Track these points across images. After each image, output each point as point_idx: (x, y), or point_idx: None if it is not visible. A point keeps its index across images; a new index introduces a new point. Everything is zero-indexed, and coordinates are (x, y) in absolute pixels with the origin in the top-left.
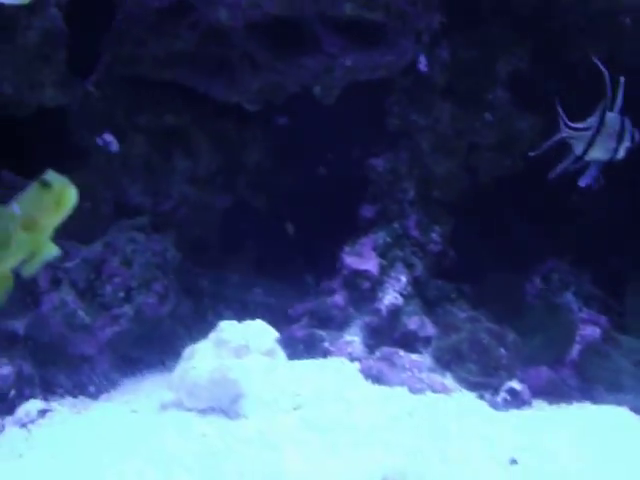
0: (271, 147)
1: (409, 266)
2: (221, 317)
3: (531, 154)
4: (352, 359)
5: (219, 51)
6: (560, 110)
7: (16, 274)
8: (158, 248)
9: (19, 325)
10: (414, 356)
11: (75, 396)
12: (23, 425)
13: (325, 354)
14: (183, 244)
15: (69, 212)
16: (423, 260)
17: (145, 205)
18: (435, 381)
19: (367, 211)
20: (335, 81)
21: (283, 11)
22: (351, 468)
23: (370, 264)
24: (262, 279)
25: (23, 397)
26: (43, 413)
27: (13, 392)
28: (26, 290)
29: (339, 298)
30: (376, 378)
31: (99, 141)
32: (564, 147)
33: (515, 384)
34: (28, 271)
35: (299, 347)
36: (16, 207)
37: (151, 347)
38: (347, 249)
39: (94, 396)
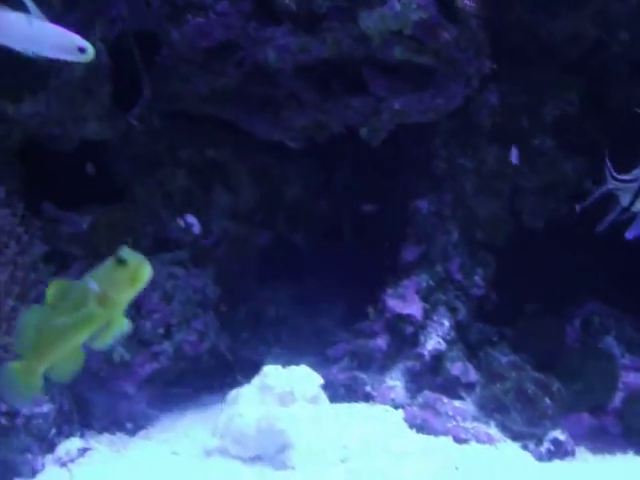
0: (312, 183)
1: (452, 310)
2: (256, 351)
3: (577, 207)
4: (395, 405)
5: (264, 89)
6: (607, 162)
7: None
8: (198, 284)
9: None
10: (457, 403)
11: (113, 433)
12: (63, 464)
13: (367, 398)
14: (222, 278)
15: (143, 287)
16: (466, 304)
17: (185, 239)
18: (480, 431)
19: (410, 253)
20: (383, 123)
21: (333, 55)
22: None
23: (414, 308)
24: (298, 315)
25: (62, 434)
26: (83, 452)
27: (54, 430)
28: None
29: (382, 342)
30: (420, 427)
31: (181, 222)
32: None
33: (559, 434)
34: (100, 345)
35: (340, 390)
36: (93, 284)
37: (188, 383)
38: (389, 291)
39: (131, 433)
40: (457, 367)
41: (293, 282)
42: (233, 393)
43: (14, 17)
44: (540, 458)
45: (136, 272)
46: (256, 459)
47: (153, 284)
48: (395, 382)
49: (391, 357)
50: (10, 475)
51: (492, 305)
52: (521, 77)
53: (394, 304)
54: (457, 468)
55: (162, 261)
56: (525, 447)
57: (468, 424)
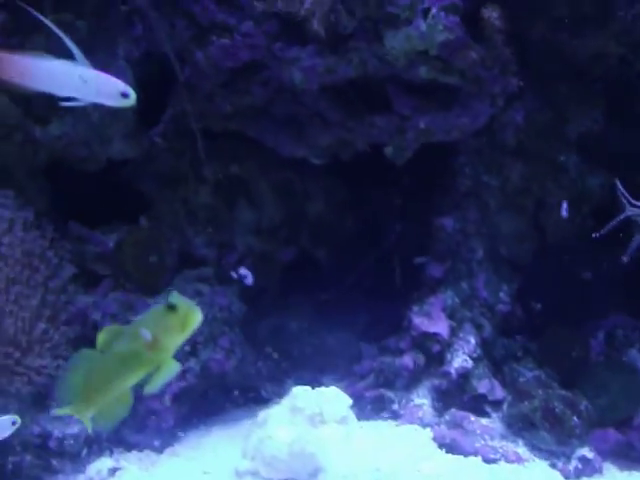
0: (335, 200)
1: (478, 327)
2: (279, 367)
3: (595, 235)
4: (423, 425)
5: (289, 108)
6: (620, 188)
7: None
8: (224, 302)
9: None
10: (484, 421)
11: (141, 450)
12: None
13: (394, 416)
14: (246, 295)
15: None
16: (491, 320)
17: (210, 256)
18: (508, 450)
19: (435, 270)
20: (408, 142)
21: (358, 75)
22: None
23: (440, 326)
24: (322, 331)
25: (93, 454)
26: (113, 471)
27: (85, 450)
28: (92, 345)
29: (408, 360)
30: (450, 447)
31: (233, 275)
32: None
33: (587, 452)
34: (150, 390)
35: (367, 407)
36: (145, 331)
37: (214, 400)
38: (415, 309)
39: (159, 450)
40: (484, 385)
41: (316, 297)
42: (262, 414)
43: (60, 66)
44: (568, 476)
45: (186, 318)
46: None
47: None
48: (422, 400)
49: (417, 375)
50: None
51: (517, 320)
52: (545, 94)
53: (420, 322)
54: None
55: (187, 278)
56: (553, 466)
57: (496, 443)
